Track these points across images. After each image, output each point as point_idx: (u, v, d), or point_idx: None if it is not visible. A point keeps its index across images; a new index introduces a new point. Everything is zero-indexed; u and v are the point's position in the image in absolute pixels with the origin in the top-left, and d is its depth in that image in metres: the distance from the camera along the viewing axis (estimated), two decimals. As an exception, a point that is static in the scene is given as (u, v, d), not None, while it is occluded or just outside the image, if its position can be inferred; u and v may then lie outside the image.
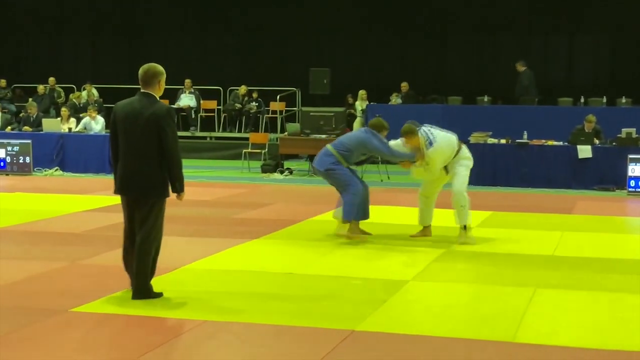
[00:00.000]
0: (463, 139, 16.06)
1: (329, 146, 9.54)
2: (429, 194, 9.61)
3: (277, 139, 18.16)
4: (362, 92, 20.61)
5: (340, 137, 9.85)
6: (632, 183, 14.06)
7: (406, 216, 11.17)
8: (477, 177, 15.09)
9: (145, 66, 6.42)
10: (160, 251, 6.46)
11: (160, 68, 6.47)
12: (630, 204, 13.22)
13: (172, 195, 6.47)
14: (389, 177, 16.00)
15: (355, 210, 9.22)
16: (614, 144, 14.93)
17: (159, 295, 6.38)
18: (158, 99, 6.42)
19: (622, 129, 15.13)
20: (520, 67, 19.86)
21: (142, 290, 6.31)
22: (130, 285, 6.40)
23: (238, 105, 21.64)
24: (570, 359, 5.11)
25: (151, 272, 6.38)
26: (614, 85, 21.05)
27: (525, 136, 15.51)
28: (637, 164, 14.04)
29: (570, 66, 23.31)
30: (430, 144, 9.15)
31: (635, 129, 15.23)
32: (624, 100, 19.88)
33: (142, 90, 6.41)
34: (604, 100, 19.81)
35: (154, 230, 6.34)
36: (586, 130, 15.24)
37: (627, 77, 21.75)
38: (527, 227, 10.28)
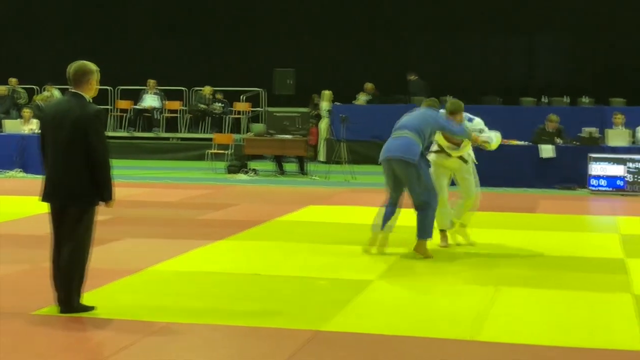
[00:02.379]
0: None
1: (409, 134, 8.18)
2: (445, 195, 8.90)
3: (242, 139, 18.13)
4: (327, 93, 20.63)
5: (409, 122, 8.36)
6: (594, 182, 14.22)
7: (372, 216, 11.20)
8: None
9: (74, 64, 5.96)
10: (91, 258, 6.04)
11: (90, 66, 5.97)
12: (592, 203, 13.38)
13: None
14: (354, 178, 16.01)
15: (432, 227, 8.31)
16: (576, 143, 15.09)
17: (90, 309, 5.97)
18: (89, 100, 5.94)
19: (584, 128, 15.30)
20: (412, 77, 20.28)
21: (71, 303, 5.90)
22: (56, 300, 5.97)
23: (202, 106, 21.58)
24: (533, 357, 5.15)
25: (79, 284, 5.92)
26: (576, 84, 21.26)
27: (489, 136, 15.58)
28: (598, 162, 14.21)
29: (532, 66, 23.52)
30: (470, 120, 8.85)
31: (596, 128, 15.41)
32: (585, 99, 20.10)
33: (71, 90, 5.96)
34: (566, 99, 20.03)
35: (82, 241, 5.91)
36: (548, 130, 15.40)
37: (589, 76, 21.99)
38: (490, 227, 10.35)
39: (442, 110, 8.70)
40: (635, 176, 14.02)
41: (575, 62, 22.85)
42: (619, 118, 15.94)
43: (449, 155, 8.79)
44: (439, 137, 8.74)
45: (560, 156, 14.84)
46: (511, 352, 5.24)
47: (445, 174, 8.97)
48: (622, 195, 13.88)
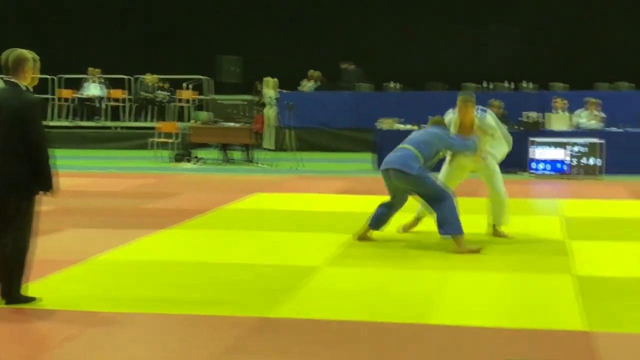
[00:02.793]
0: (372, 125, 16.37)
1: (409, 147, 8.19)
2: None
3: (187, 127, 18.02)
4: (271, 80, 20.56)
5: (413, 137, 8.41)
6: (534, 165, 14.42)
7: (320, 203, 11.25)
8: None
9: (11, 52, 5.86)
10: (34, 250, 5.96)
11: (26, 54, 5.87)
12: (534, 186, 13.57)
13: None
14: (301, 165, 16.01)
15: (459, 221, 8.05)
16: (518, 127, 15.27)
17: (32, 299, 5.91)
18: (27, 88, 5.85)
19: (525, 113, 15.51)
20: (346, 66, 20.35)
21: (13, 294, 5.83)
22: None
23: (147, 94, 21.37)
24: (480, 339, 5.22)
25: (20, 275, 5.83)
26: (518, 70, 21.51)
27: (433, 121, 15.71)
28: (540, 147, 14.41)
29: (475, 52, 23.72)
30: (482, 113, 8.61)
31: (538, 112, 15.63)
32: (527, 85, 20.36)
33: (9, 80, 5.84)
34: (508, 85, 20.27)
35: (23, 231, 5.83)
36: (492, 115, 15.53)
37: (531, 62, 22.27)
38: (436, 211, 10.42)
39: (450, 111, 8.74)
40: (576, 159, 14.25)
41: (517, 48, 23.10)
42: (560, 103, 16.17)
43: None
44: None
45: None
46: (458, 334, 5.30)
47: (457, 176, 8.87)
48: (564, 178, 14.11)
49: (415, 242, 8.40)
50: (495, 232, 8.79)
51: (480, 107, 8.70)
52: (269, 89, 20.20)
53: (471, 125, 8.61)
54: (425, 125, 8.73)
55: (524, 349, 5.00)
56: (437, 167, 8.88)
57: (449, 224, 7.94)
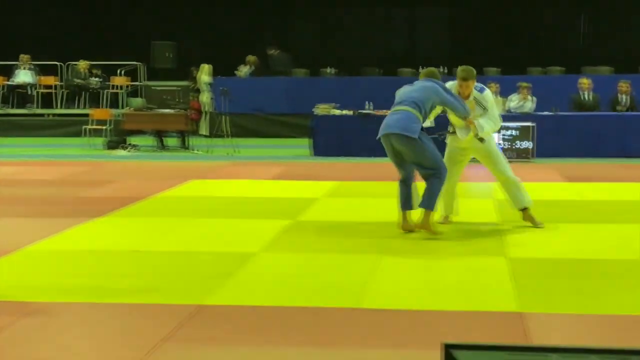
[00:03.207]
0: (308, 111, 16.38)
1: (408, 108, 7.66)
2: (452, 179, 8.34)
3: (120, 114, 17.79)
4: (206, 66, 20.39)
5: (408, 95, 7.80)
6: (471, 150, 14.57)
7: (256, 189, 11.22)
8: (324, 148, 15.38)
9: None
10: None
11: None
12: (468, 170, 13.63)
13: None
14: (237, 151, 15.94)
15: (437, 198, 7.82)
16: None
17: None
18: None
19: (461, 98, 15.64)
20: (272, 52, 20.36)
21: None
22: None
23: (79, 81, 21.05)
24: (415, 321, 5.27)
25: None
26: (453, 56, 21.72)
27: (369, 107, 15.81)
28: (475, 131, 14.55)
29: (411, 38, 23.88)
30: (481, 90, 8.14)
31: (472, 97, 15.79)
32: (461, 69, 20.52)
33: None
34: (443, 70, 20.42)
35: None
36: (426, 100, 15.67)
37: (466, 48, 22.50)
38: (372, 196, 10.50)
39: (450, 83, 8.17)
40: (509, 143, 14.44)
41: (453, 34, 23.33)
42: (493, 87, 16.34)
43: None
44: (452, 117, 8.18)
45: (438, 125, 15.11)
46: (393, 318, 5.34)
47: (459, 160, 8.42)
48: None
49: (353, 227, 8.43)
50: (526, 216, 8.34)
51: (479, 84, 8.26)
52: (204, 74, 20.04)
53: (467, 99, 8.16)
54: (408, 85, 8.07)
55: (459, 331, 5.07)
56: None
57: (430, 198, 7.70)
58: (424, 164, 7.72)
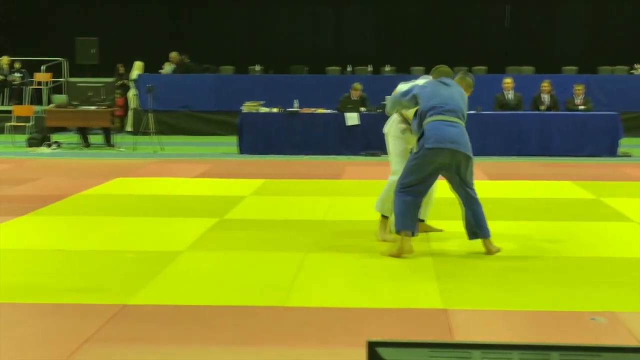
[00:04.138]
0: (235, 108, 16.32)
1: (459, 121, 6.88)
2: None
3: (43, 111, 17.45)
4: (138, 63, 20.16)
5: (451, 102, 6.93)
6: (397, 148, 14.70)
7: (182, 187, 11.13)
8: (251, 146, 15.34)
9: None
10: None
11: None
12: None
13: None
14: (162, 149, 15.79)
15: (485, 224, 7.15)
16: (379, 110, 15.53)
17: None
18: None
19: (387, 96, 15.75)
20: (183, 59, 20.20)
21: None
22: None
23: (0, 77, 20.58)
24: (339, 320, 5.29)
25: None
26: (380, 55, 21.89)
27: (296, 104, 15.83)
28: (401, 129, 14.68)
29: (337, 36, 23.97)
30: None
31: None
32: (388, 68, 20.73)
33: None
34: (370, 68, 20.59)
35: None
36: (353, 98, 15.78)
37: (391, 46, 22.69)
38: (299, 194, 10.51)
39: (420, 80, 7.58)
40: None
41: (378, 32, 23.49)
42: (420, 86, 16.53)
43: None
44: (407, 113, 7.49)
45: (365, 123, 15.25)
46: (318, 316, 5.35)
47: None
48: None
49: (279, 225, 8.42)
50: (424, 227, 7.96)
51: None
52: (135, 71, 19.81)
53: None
54: (421, 78, 7.46)
55: (384, 328, 5.10)
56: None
57: (486, 223, 7.05)
58: (470, 183, 7.03)
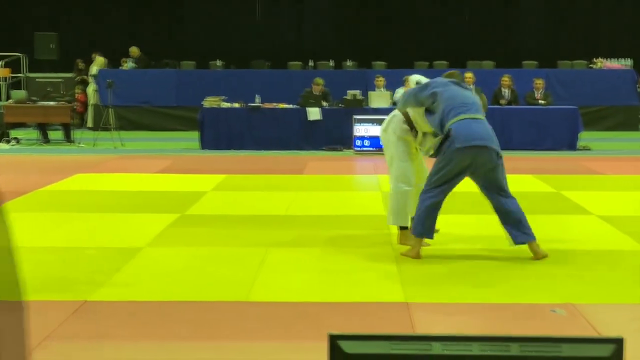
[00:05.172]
0: (197, 103, 16.25)
1: (481, 116, 6.71)
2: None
3: (1, 107, 17.22)
4: (100, 58, 19.96)
5: (466, 96, 6.79)
6: (358, 142, 14.75)
7: (144, 183, 11.05)
8: (212, 141, 15.28)
9: None
10: None
11: None
12: (356, 163, 13.87)
13: None
14: (123, 144, 15.66)
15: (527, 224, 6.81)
16: (341, 105, 15.56)
17: None
18: None
19: (348, 91, 15.82)
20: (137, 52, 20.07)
21: None
22: None
23: (-44, 72, 20.30)
24: (301, 314, 5.29)
25: None
26: (341, 49, 21.90)
27: (258, 99, 15.79)
28: (362, 124, 14.73)
29: (299, 31, 23.94)
30: None
31: (359, 90, 15.99)
32: (349, 63, 20.77)
33: None
34: (331, 63, 20.60)
35: None
36: (315, 93, 15.78)
37: (352, 41, 22.71)
38: (261, 189, 10.49)
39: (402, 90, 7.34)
40: (397, 136, 14.65)
41: (339, 27, 23.50)
42: (381, 80, 16.62)
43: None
44: (422, 120, 7.07)
45: (326, 118, 15.26)
46: (280, 310, 5.35)
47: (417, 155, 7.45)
48: (384, 154, 14.45)
49: (241, 220, 8.40)
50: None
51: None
52: (96, 66, 19.62)
53: None
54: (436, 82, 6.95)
55: (346, 322, 5.11)
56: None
57: (529, 226, 6.72)
58: (504, 186, 6.70)
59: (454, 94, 6.71)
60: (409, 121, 7.26)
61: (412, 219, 6.97)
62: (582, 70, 19.91)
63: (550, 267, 6.49)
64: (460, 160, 6.51)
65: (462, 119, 6.55)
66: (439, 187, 6.65)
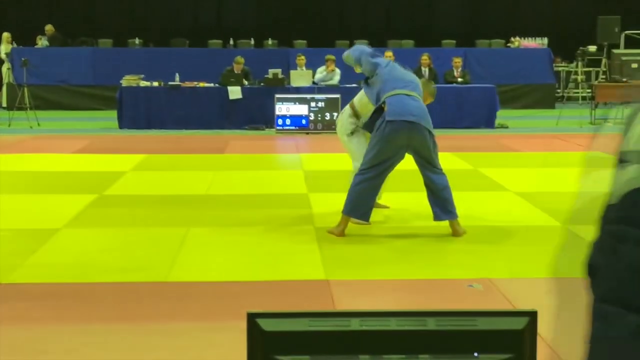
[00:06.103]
0: (115, 82, 15.98)
1: (417, 95, 6.77)
2: None
3: None
4: (5, 34, 19.44)
5: (405, 74, 6.92)
6: (280, 121, 14.72)
7: (60, 163, 10.85)
8: (132, 121, 15.06)
9: None
10: None
11: None
12: (278, 142, 13.85)
13: None
14: (39, 124, 15.31)
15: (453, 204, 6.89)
16: (262, 84, 15.50)
17: None
18: None
19: (269, 70, 15.75)
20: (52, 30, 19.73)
21: None
22: None
23: None
24: (221, 293, 5.27)
25: None
26: (261, 28, 21.78)
27: (178, 78, 15.62)
28: (283, 103, 14.70)
29: (219, 9, 23.72)
30: None
31: (280, 69, 15.94)
32: (270, 42, 20.68)
33: None
34: (252, 42, 20.48)
35: None
36: (235, 72, 15.68)
37: (274, 20, 22.61)
38: (181, 169, 10.39)
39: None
40: (317, 115, 14.68)
41: (260, 6, 23.36)
42: (302, 59, 16.57)
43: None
44: (367, 110, 7.13)
45: (247, 97, 15.18)
46: (200, 290, 5.33)
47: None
48: (306, 133, 14.50)
49: (161, 200, 8.31)
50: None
51: None
52: (4, 43, 19.11)
53: None
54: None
55: (267, 300, 5.11)
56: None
57: (453, 206, 6.79)
58: (435, 162, 6.78)
59: (394, 70, 6.83)
60: (355, 113, 7.42)
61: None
62: (499, 49, 20.22)
63: (468, 244, 6.60)
64: (393, 138, 6.52)
65: (397, 94, 6.62)
66: (374, 166, 6.64)
